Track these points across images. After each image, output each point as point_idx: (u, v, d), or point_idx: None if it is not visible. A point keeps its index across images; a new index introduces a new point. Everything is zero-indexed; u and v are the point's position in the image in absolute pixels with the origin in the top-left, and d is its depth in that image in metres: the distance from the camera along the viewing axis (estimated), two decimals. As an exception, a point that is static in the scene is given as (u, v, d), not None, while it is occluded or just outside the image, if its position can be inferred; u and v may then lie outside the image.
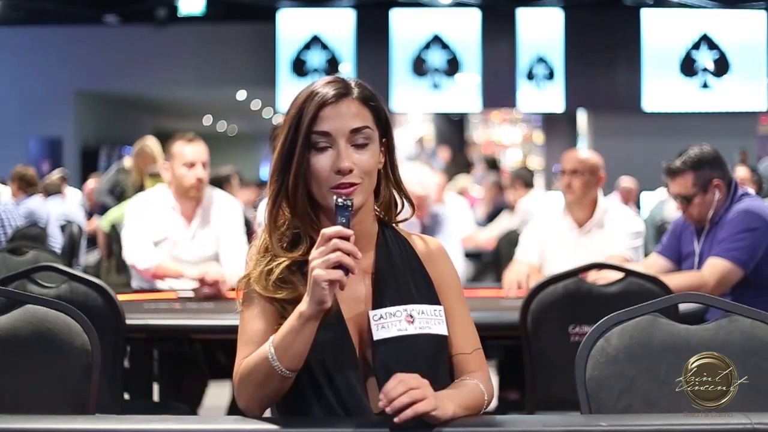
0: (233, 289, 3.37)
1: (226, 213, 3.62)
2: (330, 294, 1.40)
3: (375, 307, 1.56)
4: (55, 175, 7.27)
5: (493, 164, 12.46)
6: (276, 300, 1.53)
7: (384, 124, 1.59)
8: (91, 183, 8.56)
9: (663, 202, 7.22)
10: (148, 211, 3.56)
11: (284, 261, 1.55)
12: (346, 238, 1.40)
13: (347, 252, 1.39)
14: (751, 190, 3.59)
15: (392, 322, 1.53)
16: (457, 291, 1.64)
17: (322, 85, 1.56)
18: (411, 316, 1.54)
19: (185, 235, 3.55)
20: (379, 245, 1.62)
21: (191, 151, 3.53)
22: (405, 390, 1.34)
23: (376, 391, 1.52)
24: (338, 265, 1.39)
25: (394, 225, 1.66)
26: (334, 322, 1.52)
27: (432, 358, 1.54)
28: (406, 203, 1.66)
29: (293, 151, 1.53)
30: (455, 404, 1.42)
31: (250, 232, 6.42)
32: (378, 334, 1.53)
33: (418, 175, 4.09)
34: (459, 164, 12.29)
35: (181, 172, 3.51)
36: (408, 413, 1.33)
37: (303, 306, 1.43)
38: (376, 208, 1.64)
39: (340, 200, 1.45)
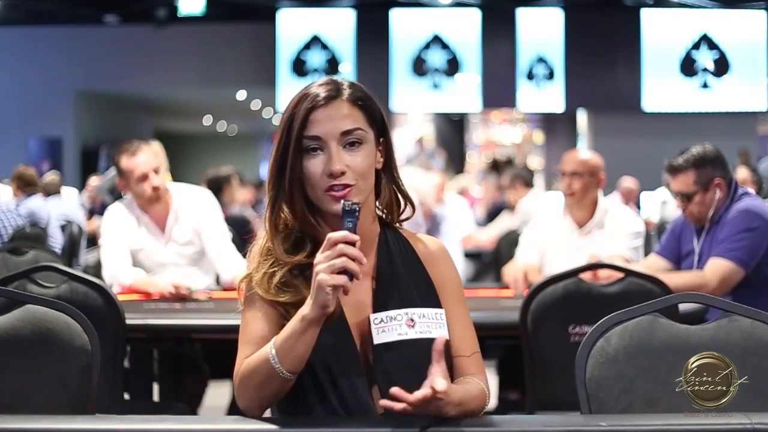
0: (229, 289, 3.39)
1: (199, 208, 3.58)
2: (333, 299, 1.40)
3: (376, 310, 1.55)
4: (48, 177, 7.25)
5: (494, 164, 12.46)
6: (278, 303, 1.53)
7: (379, 123, 1.58)
8: (94, 181, 8.57)
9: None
10: (121, 225, 3.51)
11: (287, 265, 1.55)
12: (352, 243, 1.40)
13: (352, 257, 1.39)
14: (751, 190, 3.59)
15: (393, 326, 1.53)
16: (457, 293, 1.64)
17: (313, 88, 1.55)
18: (412, 320, 1.54)
19: (161, 241, 3.53)
20: (380, 247, 1.61)
21: (140, 162, 3.45)
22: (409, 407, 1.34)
23: (378, 393, 1.52)
24: (343, 271, 1.39)
25: (396, 226, 1.66)
26: (337, 325, 1.52)
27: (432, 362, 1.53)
28: (406, 203, 1.65)
29: (286, 157, 1.53)
30: (459, 409, 1.41)
31: (248, 232, 6.42)
32: (378, 338, 1.53)
33: (411, 181, 4.09)
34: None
35: (136, 188, 3.46)
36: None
37: (306, 309, 1.42)
38: (378, 207, 1.63)
39: (347, 204, 1.44)
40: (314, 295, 1.40)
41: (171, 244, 3.53)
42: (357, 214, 1.43)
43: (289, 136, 1.53)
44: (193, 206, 3.57)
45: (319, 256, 1.41)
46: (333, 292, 1.39)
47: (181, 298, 3.16)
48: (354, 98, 1.55)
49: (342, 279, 1.38)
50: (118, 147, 3.59)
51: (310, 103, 1.52)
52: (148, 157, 3.47)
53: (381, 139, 1.59)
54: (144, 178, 3.44)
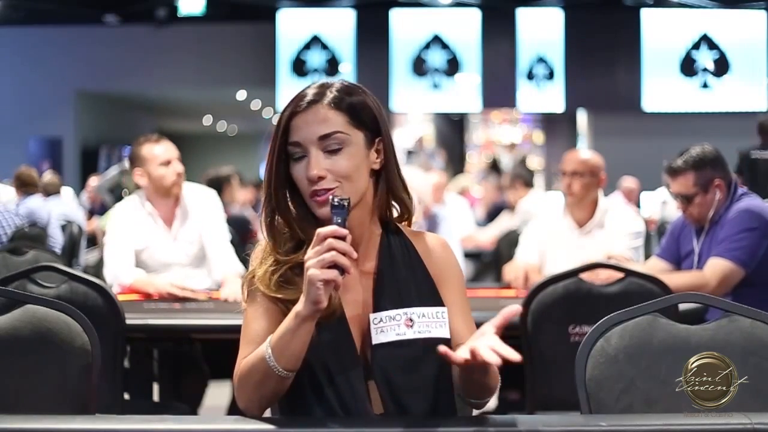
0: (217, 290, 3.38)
1: (205, 207, 3.59)
2: (325, 294, 1.40)
3: (376, 310, 1.55)
4: (47, 177, 7.26)
5: (494, 165, 12.47)
6: (280, 300, 1.53)
7: (372, 125, 1.57)
8: (94, 181, 8.57)
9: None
10: (129, 223, 3.51)
11: (288, 263, 1.55)
12: (342, 238, 1.39)
13: (342, 251, 1.38)
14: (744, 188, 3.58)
15: (391, 326, 1.53)
16: (458, 286, 1.64)
17: (304, 90, 1.57)
18: (411, 320, 1.53)
19: (167, 239, 3.53)
20: (382, 248, 1.61)
21: (163, 149, 3.49)
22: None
23: (377, 392, 1.52)
24: (333, 265, 1.38)
25: (398, 225, 1.66)
26: (337, 324, 1.52)
27: (432, 362, 1.53)
28: (410, 202, 1.65)
29: (272, 163, 1.55)
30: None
31: (247, 231, 6.43)
32: (377, 338, 1.53)
33: (409, 180, 4.08)
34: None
35: (159, 173, 3.46)
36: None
37: (299, 306, 1.42)
38: (395, 207, 1.63)
39: (335, 200, 1.44)
40: (306, 291, 1.40)
41: (177, 243, 3.54)
42: (345, 209, 1.43)
43: (274, 142, 1.55)
44: (200, 205, 3.59)
45: (309, 252, 1.41)
46: (324, 287, 1.39)
47: (180, 298, 3.16)
48: (336, 101, 1.54)
49: (332, 273, 1.38)
50: (136, 140, 3.62)
51: (291, 109, 1.54)
52: (171, 146, 3.54)
53: (377, 140, 1.59)
54: (168, 163, 3.48)
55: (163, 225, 3.53)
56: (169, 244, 3.53)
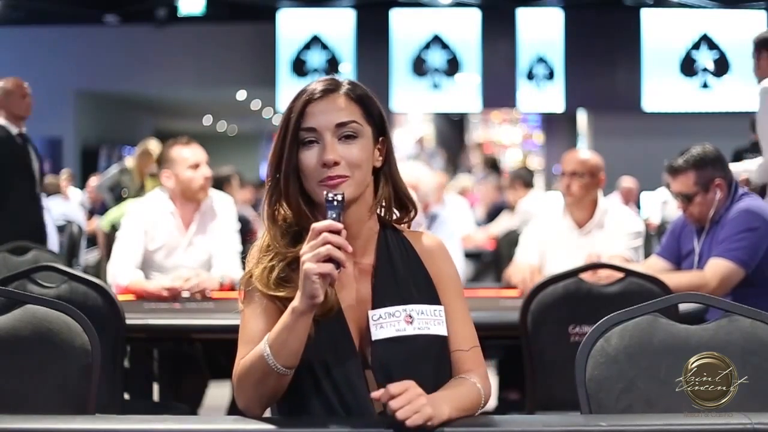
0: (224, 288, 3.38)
1: (222, 214, 3.60)
2: (321, 288, 1.40)
3: (374, 306, 1.56)
4: (63, 175, 7.27)
5: (493, 165, 12.46)
6: (278, 298, 1.54)
7: (378, 122, 1.60)
8: (94, 181, 8.56)
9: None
10: (145, 221, 3.50)
11: (286, 259, 1.55)
12: (337, 232, 1.40)
13: (337, 245, 1.39)
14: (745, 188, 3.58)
15: (391, 323, 1.53)
16: (456, 288, 1.64)
17: (313, 84, 1.58)
18: (410, 317, 1.54)
19: (182, 243, 3.52)
20: (379, 245, 1.62)
21: (192, 153, 3.51)
22: (405, 404, 1.34)
23: (376, 388, 1.52)
24: (329, 259, 1.39)
25: (396, 225, 1.66)
26: (335, 322, 1.52)
27: (431, 358, 1.54)
28: (409, 204, 1.65)
29: (283, 149, 1.55)
30: (450, 407, 1.42)
31: (248, 231, 6.43)
32: (376, 335, 1.53)
33: (414, 175, 4.08)
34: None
35: (187, 175, 3.47)
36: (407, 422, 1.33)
37: (295, 301, 1.43)
38: (382, 206, 1.63)
39: (330, 195, 1.45)
40: (302, 286, 1.41)
41: (191, 248, 3.53)
42: (341, 204, 1.44)
43: (286, 128, 1.55)
44: (219, 213, 3.59)
45: (305, 247, 1.42)
46: (320, 281, 1.39)
47: (176, 296, 3.16)
48: (351, 93, 1.57)
49: (328, 267, 1.39)
50: (167, 142, 3.66)
51: (307, 96, 1.56)
52: (200, 150, 3.56)
53: (380, 139, 1.60)
54: (196, 166, 3.49)
55: (181, 227, 3.52)
56: (183, 248, 3.52)
